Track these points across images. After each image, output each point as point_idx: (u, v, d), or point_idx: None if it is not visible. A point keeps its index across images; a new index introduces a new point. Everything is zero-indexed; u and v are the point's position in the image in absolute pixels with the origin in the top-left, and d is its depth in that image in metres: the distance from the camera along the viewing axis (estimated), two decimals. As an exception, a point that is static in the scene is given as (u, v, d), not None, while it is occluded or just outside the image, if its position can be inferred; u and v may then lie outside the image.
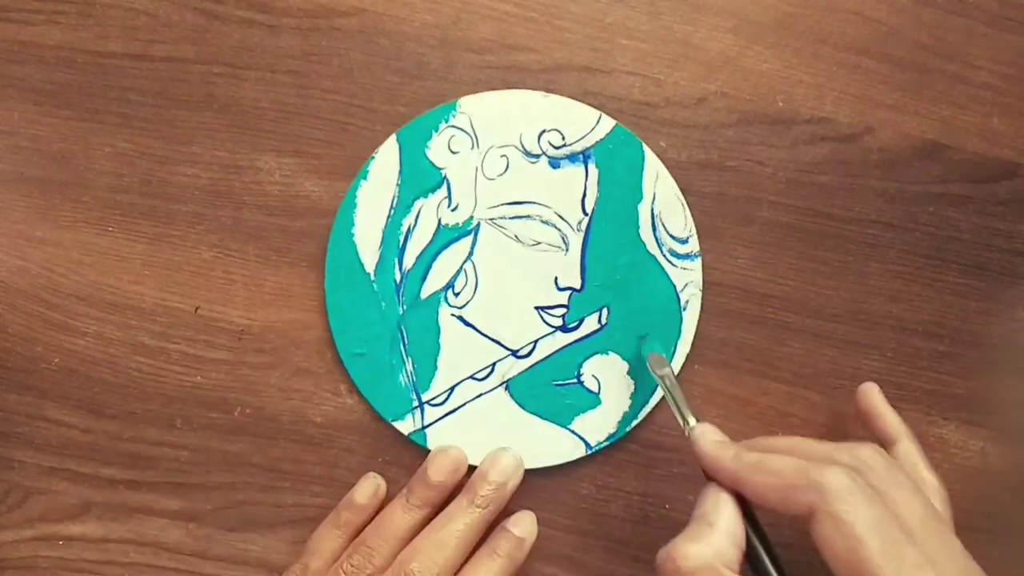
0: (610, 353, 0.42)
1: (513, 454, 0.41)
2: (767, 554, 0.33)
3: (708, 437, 0.35)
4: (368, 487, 0.41)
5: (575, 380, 0.42)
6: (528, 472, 0.42)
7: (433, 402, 0.41)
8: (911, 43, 0.43)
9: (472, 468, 0.41)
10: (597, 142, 0.42)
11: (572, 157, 0.42)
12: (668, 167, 0.42)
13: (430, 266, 0.41)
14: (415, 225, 0.41)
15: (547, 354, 0.42)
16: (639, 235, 0.42)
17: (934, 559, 0.30)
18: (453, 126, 0.41)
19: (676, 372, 0.42)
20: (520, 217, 0.42)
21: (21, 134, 0.42)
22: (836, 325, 0.43)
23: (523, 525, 0.41)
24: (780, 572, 0.32)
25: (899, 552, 0.30)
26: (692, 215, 0.42)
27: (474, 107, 0.42)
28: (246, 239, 0.42)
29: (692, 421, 0.36)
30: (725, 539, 0.32)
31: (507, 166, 0.41)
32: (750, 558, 0.33)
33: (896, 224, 0.43)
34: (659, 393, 0.42)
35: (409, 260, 0.41)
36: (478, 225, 0.41)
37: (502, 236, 0.42)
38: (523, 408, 0.42)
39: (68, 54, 0.42)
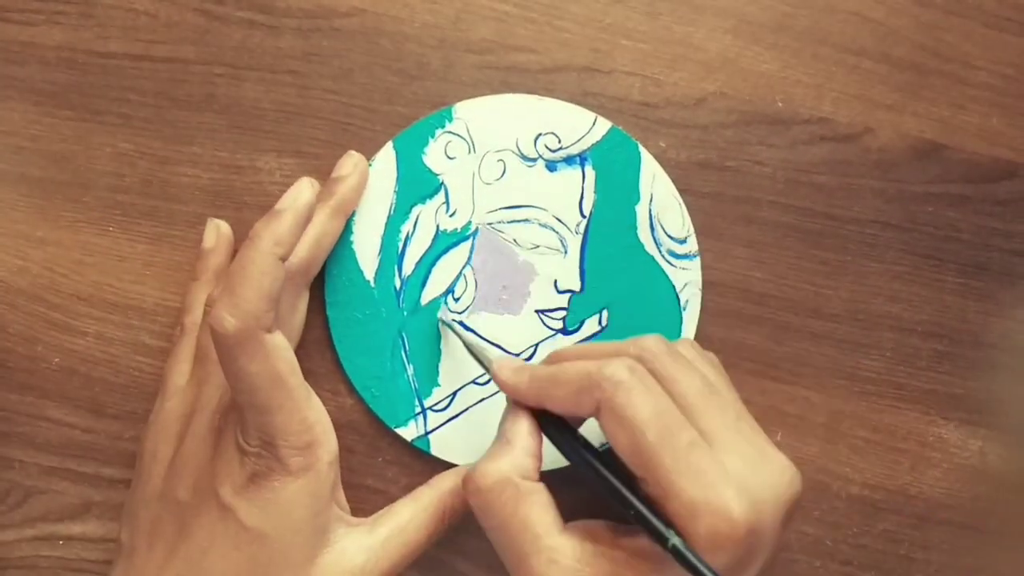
0: (610, 355, 0.42)
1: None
2: (589, 452, 0.35)
3: (504, 366, 0.36)
4: (209, 230, 0.42)
5: None
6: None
7: (435, 408, 0.42)
8: (910, 43, 0.43)
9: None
10: (593, 144, 0.42)
11: (569, 160, 0.42)
12: (667, 167, 0.42)
13: (429, 272, 0.41)
14: (413, 231, 0.41)
15: (548, 358, 0.42)
16: (637, 236, 0.42)
17: (711, 432, 0.33)
18: (449, 131, 0.41)
19: None
20: (518, 221, 0.42)
21: (21, 134, 0.42)
22: (835, 325, 0.43)
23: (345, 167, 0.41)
24: (603, 461, 0.34)
25: (675, 435, 0.32)
26: (691, 215, 0.42)
27: (470, 112, 0.42)
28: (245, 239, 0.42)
29: (491, 357, 0.38)
30: (521, 452, 0.34)
31: (504, 170, 0.42)
32: (578, 465, 0.35)
33: (895, 224, 0.43)
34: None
35: (408, 266, 0.41)
36: (476, 230, 0.42)
37: (500, 240, 0.42)
38: None
39: (69, 54, 0.42)
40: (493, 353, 0.39)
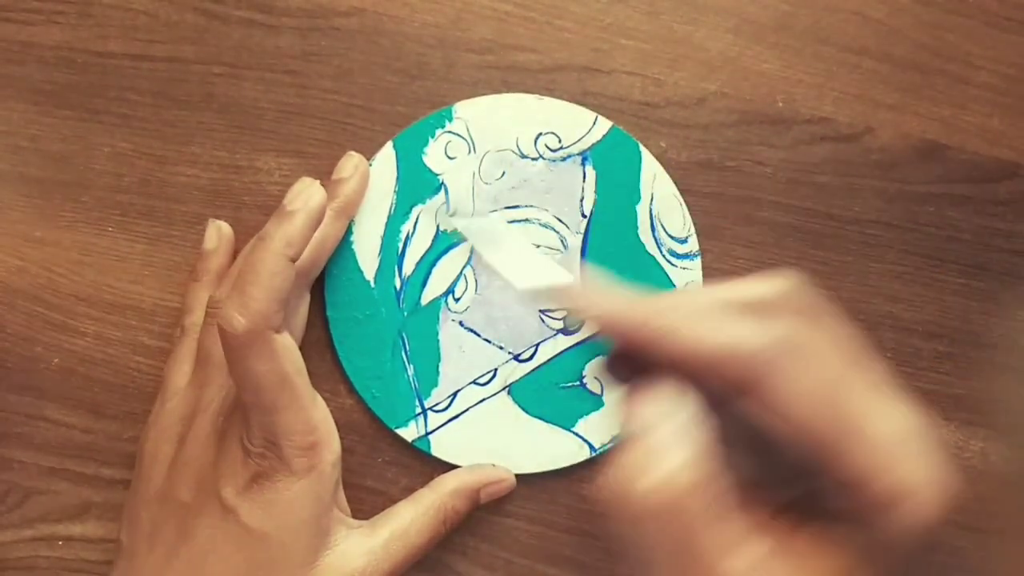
0: (611, 355, 0.42)
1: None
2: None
3: (592, 292, 0.29)
4: (211, 231, 0.42)
5: (577, 383, 0.42)
6: (529, 474, 0.42)
7: (436, 408, 0.41)
8: (911, 43, 0.43)
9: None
10: (594, 144, 0.42)
11: (569, 159, 0.42)
12: (668, 167, 0.42)
13: (430, 272, 0.41)
14: (414, 232, 0.41)
15: (549, 357, 0.42)
16: (638, 236, 0.42)
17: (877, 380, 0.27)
18: (449, 131, 0.41)
19: None
20: (518, 221, 0.42)
21: (20, 134, 0.42)
22: (836, 325, 0.43)
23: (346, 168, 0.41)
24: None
25: (860, 375, 0.26)
26: (692, 215, 0.42)
27: (470, 112, 0.41)
28: (246, 239, 0.42)
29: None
30: (692, 456, 0.25)
31: (504, 170, 0.41)
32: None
33: (896, 224, 0.43)
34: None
35: (409, 267, 0.41)
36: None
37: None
38: (526, 412, 0.42)
39: (68, 54, 0.42)
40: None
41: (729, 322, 0.26)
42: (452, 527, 0.40)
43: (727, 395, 0.26)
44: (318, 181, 0.37)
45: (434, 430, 0.42)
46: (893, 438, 0.26)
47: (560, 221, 0.42)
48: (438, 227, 0.41)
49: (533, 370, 0.42)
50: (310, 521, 0.36)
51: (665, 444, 0.25)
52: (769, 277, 0.28)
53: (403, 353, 0.41)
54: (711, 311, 0.27)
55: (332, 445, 0.37)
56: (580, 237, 0.42)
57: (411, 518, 0.39)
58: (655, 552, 0.25)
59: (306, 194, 0.36)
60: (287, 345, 0.35)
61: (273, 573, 0.36)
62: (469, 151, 0.41)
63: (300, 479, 0.36)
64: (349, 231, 0.41)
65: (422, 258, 0.41)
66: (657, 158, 0.42)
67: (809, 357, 0.26)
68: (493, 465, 0.41)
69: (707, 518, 0.25)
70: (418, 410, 0.41)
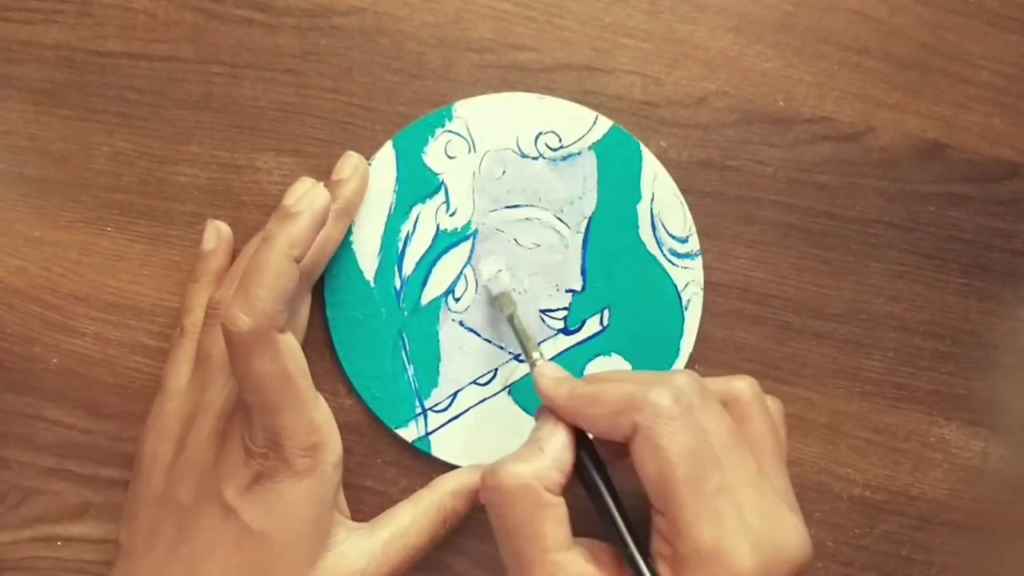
0: (612, 355, 0.42)
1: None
2: (605, 486, 0.35)
3: (547, 375, 0.36)
4: (210, 232, 0.41)
5: None
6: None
7: (436, 408, 0.41)
8: (912, 42, 0.43)
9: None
10: (594, 143, 0.42)
11: (569, 159, 0.42)
12: (668, 167, 0.42)
13: (430, 272, 0.41)
14: (414, 231, 0.41)
15: (550, 357, 0.41)
16: (639, 235, 0.42)
17: (733, 485, 0.32)
18: (449, 131, 0.41)
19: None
20: (519, 220, 0.41)
21: (19, 134, 0.42)
22: (837, 325, 0.43)
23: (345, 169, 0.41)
24: (615, 499, 0.34)
25: (704, 478, 0.32)
26: (693, 215, 0.42)
27: (470, 111, 0.41)
28: (245, 239, 0.42)
29: (537, 356, 0.37)
30: (551, 463, 0.34)
31: (504, 169, 0.41)
32: (589, 491, 0.35)
33: (897, 224, 0.43)
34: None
35: (408, 266, 0.41)
36: (476, 230, 0.41)
37: (501, 240, 0.41)
38: (526, 412, 0.42)
39: (67, 53, 0.42)
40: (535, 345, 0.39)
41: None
42: (452, 528, 0.40)
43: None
44: (321, 183, 0.37)
45: (434, 430, 0.41)
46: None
47: (560, 220, 0.41)
48: (438, 227, 0.41)
49: (534, 370, 0.42)
50: (311, 522, 0.36)
51: (536, 452, 0.34)
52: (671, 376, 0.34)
53: (403, 353, 0.41)
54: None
55: (334, 446, 0.37)
56: (580, 236, 0.42)
57: (411, 519, 0.39)
58: (500, 524, 0.34)
59: (311, 195, 0.36)
60: (291, 345, 0.35)
61: (273, 574, 0.36)
62: (469, 150, 0.41)
63: (302, 480, 0.36)
64: (349, 231, 0.41)
65: (422, 258, 0.41)
66: (658, 157, 0.42)
67: (683, 428, 0.32)
68: None
69: (544, 515, 0.33)
70: (418, 410, 0.41)
